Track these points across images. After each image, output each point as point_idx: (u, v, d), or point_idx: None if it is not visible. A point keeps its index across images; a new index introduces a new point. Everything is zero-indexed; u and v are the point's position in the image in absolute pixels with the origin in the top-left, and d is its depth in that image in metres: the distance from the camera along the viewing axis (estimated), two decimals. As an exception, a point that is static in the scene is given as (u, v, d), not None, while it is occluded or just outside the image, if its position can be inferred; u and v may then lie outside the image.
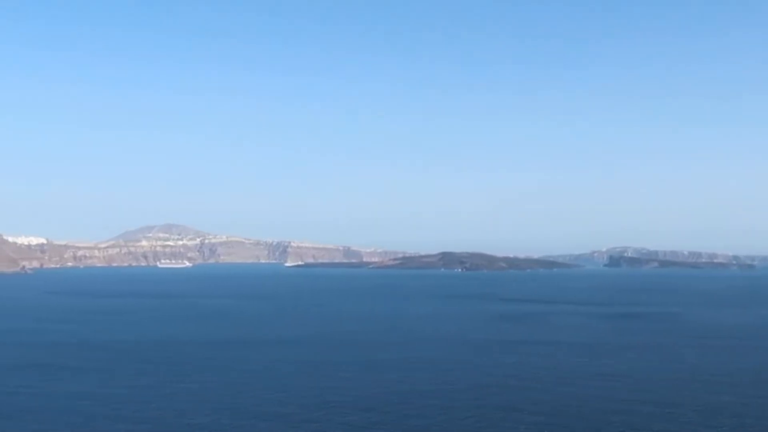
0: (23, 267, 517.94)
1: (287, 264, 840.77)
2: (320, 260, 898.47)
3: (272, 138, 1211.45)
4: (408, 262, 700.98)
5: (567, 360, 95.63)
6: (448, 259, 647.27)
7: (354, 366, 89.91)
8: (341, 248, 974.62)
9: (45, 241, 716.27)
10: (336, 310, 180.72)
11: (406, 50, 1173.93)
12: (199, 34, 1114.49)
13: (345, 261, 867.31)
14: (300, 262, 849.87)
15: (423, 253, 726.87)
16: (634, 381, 79.76)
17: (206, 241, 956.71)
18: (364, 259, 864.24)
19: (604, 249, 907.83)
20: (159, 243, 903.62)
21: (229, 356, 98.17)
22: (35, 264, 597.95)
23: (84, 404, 68.01)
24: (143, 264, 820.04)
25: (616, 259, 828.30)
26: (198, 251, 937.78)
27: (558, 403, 68.35)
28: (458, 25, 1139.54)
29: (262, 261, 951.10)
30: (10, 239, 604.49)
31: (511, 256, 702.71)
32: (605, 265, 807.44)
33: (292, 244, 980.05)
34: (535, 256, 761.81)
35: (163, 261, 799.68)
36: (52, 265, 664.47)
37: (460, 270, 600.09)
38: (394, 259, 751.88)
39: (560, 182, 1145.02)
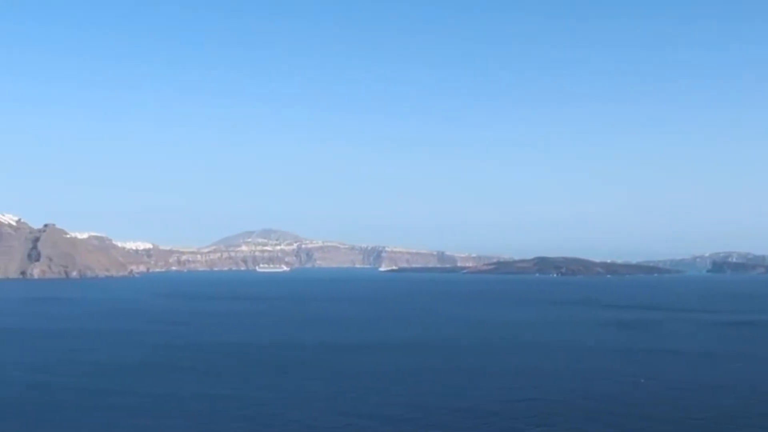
0: (131, 271, 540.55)
1: (381, 268, 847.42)
2: (414, 265, 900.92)
3: (366, 144, 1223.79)
4: (502, 267, 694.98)
5: (686, 369, 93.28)
6: (543, 264, 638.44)
7: (465, 372, 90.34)
8: (435, 253, 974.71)
9: (151, 247, 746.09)
10: (435, 315, 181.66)
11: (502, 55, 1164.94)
12: (286, 42, 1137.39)
13: (439, 266, 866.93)
14: (394, 267, 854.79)
15: (517, 258, 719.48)
16: (747, 392, 77.76)
17: (303, 245, 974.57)
18: (458, 264, 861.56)
19: (706, 254, 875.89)
20: (258, 248, 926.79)
21: (335, 359, 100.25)
22: (142, 268, 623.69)
23: (196, 404, 70.78)
24: (243, 268, 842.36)
25: (719, 265, 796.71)
26: (295, 256, 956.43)
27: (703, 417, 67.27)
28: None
29: (357, 265, 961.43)
30: (120, 244, 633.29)
31: (609, 261, 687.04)
32: (708, 271, 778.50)
33: (387, 248, 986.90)
34: (634, 261, 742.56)
35: (261, 265, 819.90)
36: (158, 269, 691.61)
37: (555, 275, 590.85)
38: (488, 264, 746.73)
39: (659, 185, 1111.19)
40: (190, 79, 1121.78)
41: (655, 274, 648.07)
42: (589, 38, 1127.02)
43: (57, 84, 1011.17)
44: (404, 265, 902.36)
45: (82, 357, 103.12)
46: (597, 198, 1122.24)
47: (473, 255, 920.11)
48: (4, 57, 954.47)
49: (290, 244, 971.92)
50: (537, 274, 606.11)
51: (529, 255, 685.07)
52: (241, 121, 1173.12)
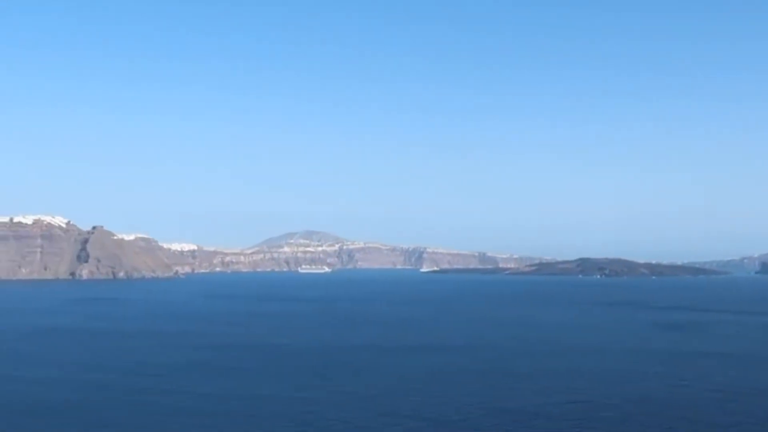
0: (176, 272, 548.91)
1: (423, 269, 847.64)
2: (455, 266, 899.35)
3: (408, 144, 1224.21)
4: (544, 268, 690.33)
5: (734, 372, 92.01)
6: (586, 265, 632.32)
7: (507, 373, 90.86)
8: (476, 254, 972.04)
9: (196, 248, 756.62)
10: (476, 316, 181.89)
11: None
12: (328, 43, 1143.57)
13: (480, 267, 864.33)
14: (435, 268, 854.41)
15: (560, 259, 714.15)
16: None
17: (344, 247, 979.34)
18: (500, 265, 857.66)
19: (755, 255, 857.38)
20: (300, 249, 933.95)
21: (377, 361, 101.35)
22: (187, 269, 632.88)
23: (240, 404, 72.38)
24: (285, 269, 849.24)
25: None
26: (336, 257, 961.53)
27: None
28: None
29: (398, 267, 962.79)
30: (165, 246, 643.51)
31: (653, 262, 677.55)
32: (757, 272, 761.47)
33: (428, 250, 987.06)
34: (679, 262, 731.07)
35: (303, 266, 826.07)
36: (202, 270, 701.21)
37: (599, 276, 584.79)
38: (530, 266, 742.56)
39: (706, 183, 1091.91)
40: (235, 81, 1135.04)
41: (702, 276, 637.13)
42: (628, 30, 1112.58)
43: (105, 87, 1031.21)
44: (445, 266, 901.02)
45: (132, 357, 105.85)
46: (641, 198, 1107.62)
47: (515, 256, 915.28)
48: (56, 61, 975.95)
49: (332, 245, 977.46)
50: (580, 276, 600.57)
51: (572, 256, 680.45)
52: (284, 123, 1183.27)
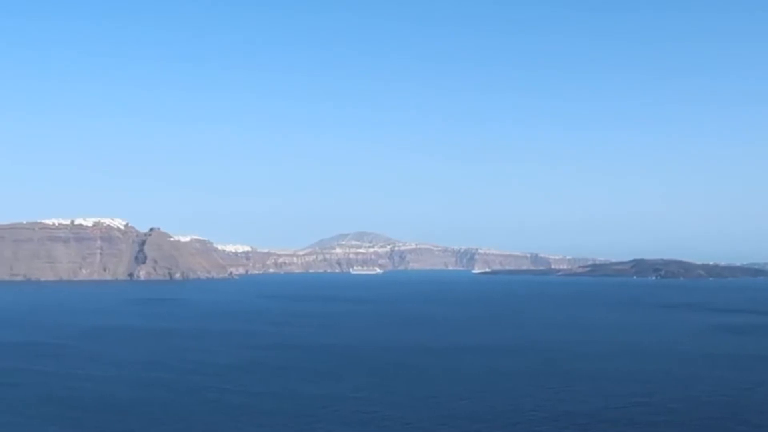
0: (231, 273, 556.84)
1: (474, 271, 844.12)
2: (507, 267, 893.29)
3: (459, 145, 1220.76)
4: (598, 269, 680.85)
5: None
6: (641, 266, 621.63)
7: (563, 375, 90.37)
8: (528, 255, 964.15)
9: (250, 249, 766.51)
10: (530, 317, 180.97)
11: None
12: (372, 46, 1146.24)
13: (532, 268, 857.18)
14: (487, 269, 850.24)
15: (614, 260, 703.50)
16: None
17: (396, 248, 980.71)
18: (552, 267, 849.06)
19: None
20: (352, 250, 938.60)
21: (431, 361, 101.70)
22: (241, 270, 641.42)
23: (295, 403, 73.58)
24: (337, 270, 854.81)
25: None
26: (388, 258, 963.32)
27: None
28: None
29: (450, 267, 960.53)
30: (220, 247, 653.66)
31: (711, 263, 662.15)
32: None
33: (480, 251, 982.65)
34: (738, 263, 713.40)
35: (355, 267, 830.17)
36: (256, 271, 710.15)
37: (654, 278, 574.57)
38: (583, 267, 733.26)
39: (764, 182, 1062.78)
40: (284, 86, 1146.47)
41: (761, 277, 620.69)
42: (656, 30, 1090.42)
43: (159, 92, 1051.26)
44: (497, 267, 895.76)
45: (190, 356, 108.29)
46: (697, 198, 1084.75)
47: (567, 257, 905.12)
48: (109, 67, 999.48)
49: (383, 246, 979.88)
50: (634, 277, 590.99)
51: (626, 257, 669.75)
52: (334, 125, 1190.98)
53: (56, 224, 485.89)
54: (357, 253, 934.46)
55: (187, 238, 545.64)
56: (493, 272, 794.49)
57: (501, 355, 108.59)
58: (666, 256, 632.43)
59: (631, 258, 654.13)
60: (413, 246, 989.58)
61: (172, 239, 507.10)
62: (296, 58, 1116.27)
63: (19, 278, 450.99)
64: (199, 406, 72.52)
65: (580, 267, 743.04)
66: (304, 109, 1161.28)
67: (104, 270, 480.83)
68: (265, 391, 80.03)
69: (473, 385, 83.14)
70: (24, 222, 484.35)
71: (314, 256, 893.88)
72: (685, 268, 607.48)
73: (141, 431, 63.54)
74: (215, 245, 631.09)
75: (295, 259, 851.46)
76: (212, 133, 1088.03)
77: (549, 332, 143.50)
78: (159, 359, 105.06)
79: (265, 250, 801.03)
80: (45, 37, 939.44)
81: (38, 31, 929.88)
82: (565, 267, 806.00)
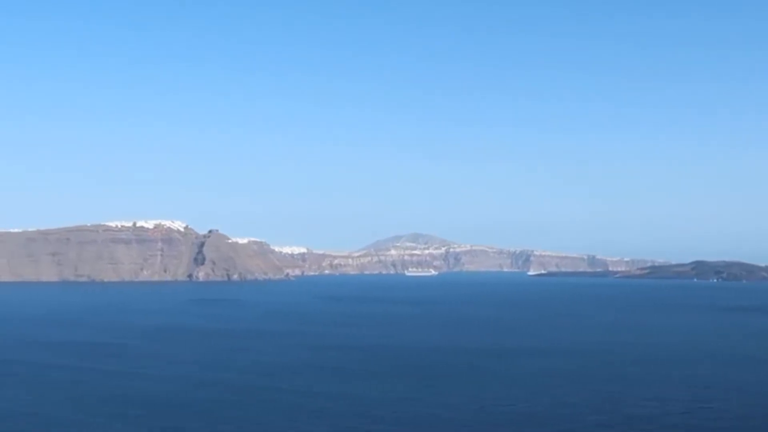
0: (287, 274, 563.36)
1: (530, 272, 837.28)
2: (563, 269, 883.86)
3: (516, 146, 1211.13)
4: (657, 271, 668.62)
5: None
6: (701, 268, 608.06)
7: (620, 379, 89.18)
8: (585, 257, 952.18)
9: (306, 251, 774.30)
10: (589, 321, 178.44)
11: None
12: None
13: (589, 270, 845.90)
14: (543, 271, 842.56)
15: (674, 262, 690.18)
16: None
17: (451, 249, 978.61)
18: (610, 269, 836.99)
19: None
20: (407, 252, 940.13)
21: (487, 363, 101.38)
22: (297, 271, 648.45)
23: (347, 404, 74.31)
24: (392, 272, 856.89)
25: None
26: (443, 260, 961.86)
27: None
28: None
29: (505, 269, 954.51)
30: (276, 249, 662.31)
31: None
32: None
33: (535, 252, 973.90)
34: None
35: (410, 269, 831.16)
36: (312, 273, 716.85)
37: (715, 280, 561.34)
38: (642, 269, 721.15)
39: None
40: (340, 88, 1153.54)
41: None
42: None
43: (217, 96, 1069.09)
44: (553, 269, 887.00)
45: (249, 356, 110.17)
46: (762, 198, 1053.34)
47: (626, 259, 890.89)
48: (170, 73, 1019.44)
49: (438, 248, 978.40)
50: (695, 279, 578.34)
51: (686, 258, 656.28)
52: (389, 127, 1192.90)
53: (119, 226, 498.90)
54: (412, 255, 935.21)
55: (245, 240, 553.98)
56: (549, 274, 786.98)
57: (558, 358, 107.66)
58: (728, 258, 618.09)
59: (691, 260, 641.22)
60: (468, 247, 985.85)
61: (230, 241, 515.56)
62: (341, 63, 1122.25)
63: (84, 279, 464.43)
64: (255, 405, 73.86)
65: (638, 269, 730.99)
66: (357, 112, 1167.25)
67: (164, 271, 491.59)
68: (320, 391, 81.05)
69: (529, 388, 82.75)
70: (88, 224, 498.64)
71: (369, 258, 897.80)
72: (748, 270, 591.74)
73: (195, 429, 65.14)
74: (272, 247, 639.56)
75: (350, 261, 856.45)
76: (269, 137, 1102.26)
77: (607, 335, 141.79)
78: (217, 359, 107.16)
79: (321, 252, 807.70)
80: (102, 42, 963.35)
81: (93, 37, 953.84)
82: (623, 269, 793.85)
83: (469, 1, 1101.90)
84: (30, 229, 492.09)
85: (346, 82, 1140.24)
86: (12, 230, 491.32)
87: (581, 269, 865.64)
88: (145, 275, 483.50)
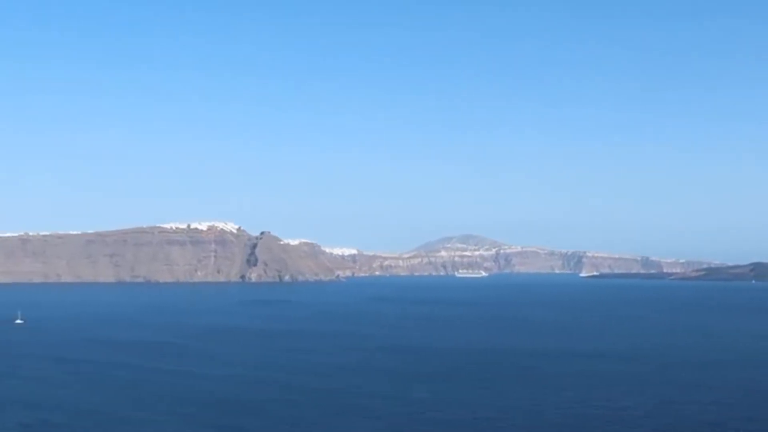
0: (337, 275, 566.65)
1: (582, 274, 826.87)
2: (616, 270, 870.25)
3: (567, 146, 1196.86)
4: (713, 273, 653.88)
5: None
6: (760, 270, 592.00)
7: (677, 384, 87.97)
8: (639, 258, 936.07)
9: (356, 252, 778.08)
10: (643, 323, 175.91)
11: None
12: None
13: (642, 272, 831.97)
14: (595, 273, 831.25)
15: (730, 263, 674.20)
16: None
17: (501, 251, 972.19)
18: (664, 270, 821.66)
19: None
20: (457, 253, 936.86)
21: (540, 366, 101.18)
22: (347, 273, 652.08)
23: (396, 405, 75.06)
24: (442, 273, 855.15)
25: None
26: (493, 261, 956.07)
27: None
28: None
29: (556, 271, 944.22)
30: (327, 250, 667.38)
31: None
32: None
33: (587, 254, 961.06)
34: None
35: (460, 270, 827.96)
36: (362, 274, 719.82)
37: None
38: (698, 271, 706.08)
39: None
40: (394, 92, 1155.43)
41: None
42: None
43: (271, 103, 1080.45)
44: (606, 270, 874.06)
45: (302, 357, 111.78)
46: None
47: (680, 261, 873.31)
48: (222, 81, 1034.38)
49: (489, 249, 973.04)
50: (753, 281, 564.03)
51: (743, 260, 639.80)
52: (444, 128, 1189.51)
53: (174, 228, 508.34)
54: (462, 256, 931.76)
55: (296, 242, 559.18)
56: (602, 276, 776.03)
57: (613, 361, 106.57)
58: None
59: (749, 261, 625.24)
60: (519, 249, 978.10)
61: (281, 243, 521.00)
62: (388, 69, 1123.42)
63: (140, 280, 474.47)
64: (309, 405, 75.03)
65: (694, 271, 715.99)
66: (407, 116, 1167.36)
67: (218, 272, 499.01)
68: (373, 391, 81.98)
69: (583, 391, 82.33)
70: (144, 227, 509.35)
71: (419, 259, 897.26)
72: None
73: (252, 429, 66.62)
74: (323, 248, 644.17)
75: (400, 262, 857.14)
76: (320, 139, 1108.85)
77: (663, 338, 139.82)
78: (272, 359, 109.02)
79: (371, 253, 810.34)
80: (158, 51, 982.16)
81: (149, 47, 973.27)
82: (678, 271, 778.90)
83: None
84: (89, 232, 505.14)
85: (399, 86, 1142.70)
86: (72, 232, 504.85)
87: (634, 271, 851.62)
88: (199, 276, 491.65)
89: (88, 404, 76.11)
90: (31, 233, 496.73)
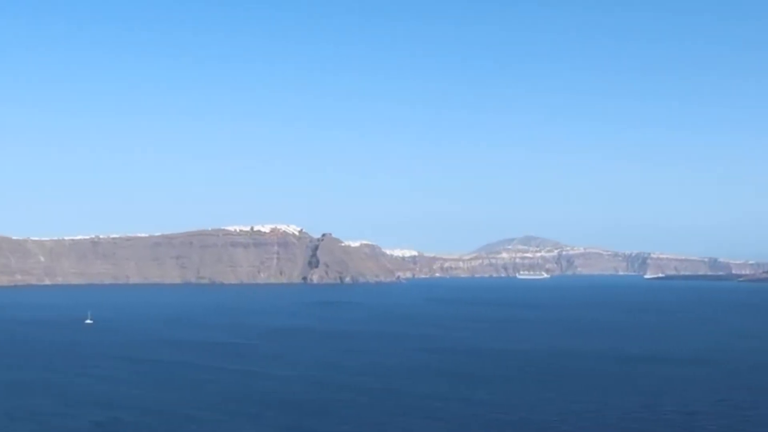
0: (398, 277, 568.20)
1: (646, 276, 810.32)
2: (682, 272, 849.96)
3: (632, 145, 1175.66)
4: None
5: None
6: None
7: (749, 390, 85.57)
8: (706, 260, 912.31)
9: (416, 254, 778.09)
10: (713, 327, 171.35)
11: None
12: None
13: (710, 273, 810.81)
14: (660, 274, 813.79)
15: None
16: None
17: (563, 252, 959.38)
18: (733, 272, 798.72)
19: None
20: (518, 255, 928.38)
21: (606, 370, 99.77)
22: (408, 274, 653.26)
23: (459, 407, 74.65)
24: (503, 275, 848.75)
25: None
26: (555, 263, 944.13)
27: None
28: None
29: (620, 272, 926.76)
30: (387, 252, 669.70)
31: None
32: None
33: (652, 255, 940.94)
34: None
35: (521, 272, 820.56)
36: (422, 275, 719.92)
37: None
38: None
39: None
40: (453, 91, 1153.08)
41: None
42: None
43: (333, 103, 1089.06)
44: (671, 272, 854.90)
45: (366, 358, 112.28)
46: None
47: (750, 262, 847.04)
48: (284, 78, 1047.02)
49: (550, 250, 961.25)
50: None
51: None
52: (500, 130, 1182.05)
53: (237, 231, 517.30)
54: (523, 258, 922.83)
55: (357, 243, 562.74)
56: (667, 277, 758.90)
57: (681, 364, 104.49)
58: None
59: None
60: (581, 250, 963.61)
61: (342, 244, 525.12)
62: (456, 65, 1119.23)
63: (205, 281, 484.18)
64: (372, 407, 75.51)
65: (764, 272, 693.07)
66: (465, 114, 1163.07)
67: (280, 274, 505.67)
68: (433, 394, 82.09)
69: (651, 394, 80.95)
70: (209, 229, 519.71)
71: (480, 261, 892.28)
72: None
73: (315, 428, 67.47)
74: (383, 250, 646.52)
75: (461, 264, 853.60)
76: (380, 140, 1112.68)
77: (733, 341, 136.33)
78: (335, 360, 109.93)
79: (431, 255, 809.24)
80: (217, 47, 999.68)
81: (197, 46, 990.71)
82: (748, 272, 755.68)
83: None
84: (156, 234, 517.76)
85: (456, 85, 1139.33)
86: (140, 235, 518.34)
87: (701, 272, 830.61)
88: (262, 278, 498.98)
89: (156, 403, 78.13)
90: (101, 236, 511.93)
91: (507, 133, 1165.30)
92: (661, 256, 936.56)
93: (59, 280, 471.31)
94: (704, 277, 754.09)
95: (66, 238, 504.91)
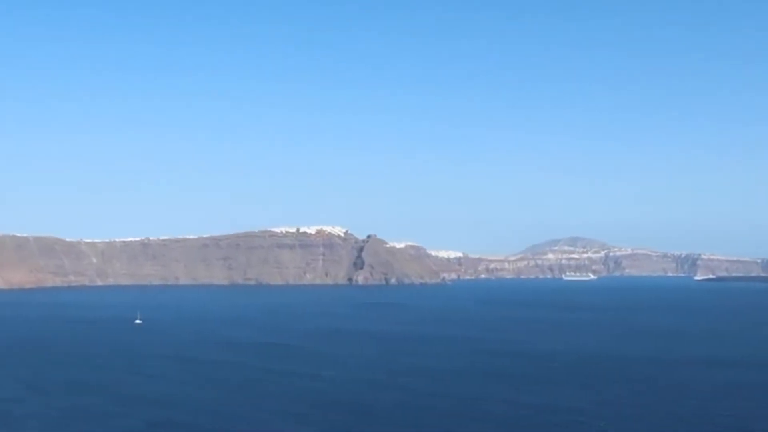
0: (443, 278, 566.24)
1: (696, 277, 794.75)
2: (734, 274, 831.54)
3: (680, 144, 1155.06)
4: None
5: None
6: None
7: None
8: (759, 261, 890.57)
9: (462, 255, 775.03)
10: (764, 329, 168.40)
11: None
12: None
13: (763, 275, 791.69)
14: (711, 276, 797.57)
15: None
16: None
17: (611, 253, 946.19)
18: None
19: None
20: (564, 256, 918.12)
21: (655, 373, 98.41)
22: (453, 275, 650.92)
23: (504, 409, 74.60)
24: (549, 276, 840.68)
25: None
26: (602, 264, 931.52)
27: None
28: None
29: (669, 274, 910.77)
30: (433, 253, 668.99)
31: None
32: None
33: (702, 256, 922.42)
34: None
35: (568, 273, 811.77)
36: (468, 277, 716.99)
37: None
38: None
39: None
40: (491, 95, 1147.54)
41: None
42: None
43: (379, 110, 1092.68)
44: (722, 273, 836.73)
45: (413, 360, 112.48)
46: None
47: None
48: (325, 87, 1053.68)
49: (597, 251, 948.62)
50: None
51: None
52: (543, 131, 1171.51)
53: (283, 232, 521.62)
54: (570, 259, 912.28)
55: (402, 245, 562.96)
56: (718, 279, 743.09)
57: (736, 369, 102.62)
58: None
59: None
60: (629, 251, 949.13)
61: (387, 246, 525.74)
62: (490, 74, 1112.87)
63: (252, 282, 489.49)
64: (420, 408, 75.66)
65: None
66: (520, 114, 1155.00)
67: (326, 275, 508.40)
68: (479, 396, 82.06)
69: (705, 400, 79.80)
70: (256, 231, 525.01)
71: (526, 262, 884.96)
72: None
73: (363, 429, 67.97)
74: (428, 251, 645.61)
75: (506, 265, 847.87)
76: (427, 144, 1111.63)
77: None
78: (383, 362, 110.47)
79: (477, 256, 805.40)
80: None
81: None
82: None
83: None
84: (204, 236, 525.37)
85: (494, 89, 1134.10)
86: (188, 236, 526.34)
87: (754, 273, 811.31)
88: (308, 279, 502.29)
89: (206, 402, 79.52)
90: (151, 238, 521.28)
91: (553, 133, 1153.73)
92: (711, 257, 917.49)
93: (110, 281, 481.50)
94: (757, 278, 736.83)
95: (117, 240, 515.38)
